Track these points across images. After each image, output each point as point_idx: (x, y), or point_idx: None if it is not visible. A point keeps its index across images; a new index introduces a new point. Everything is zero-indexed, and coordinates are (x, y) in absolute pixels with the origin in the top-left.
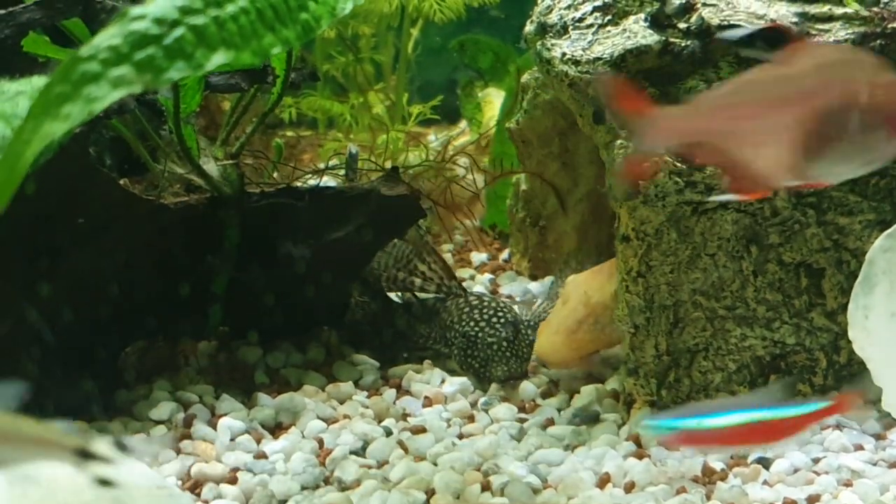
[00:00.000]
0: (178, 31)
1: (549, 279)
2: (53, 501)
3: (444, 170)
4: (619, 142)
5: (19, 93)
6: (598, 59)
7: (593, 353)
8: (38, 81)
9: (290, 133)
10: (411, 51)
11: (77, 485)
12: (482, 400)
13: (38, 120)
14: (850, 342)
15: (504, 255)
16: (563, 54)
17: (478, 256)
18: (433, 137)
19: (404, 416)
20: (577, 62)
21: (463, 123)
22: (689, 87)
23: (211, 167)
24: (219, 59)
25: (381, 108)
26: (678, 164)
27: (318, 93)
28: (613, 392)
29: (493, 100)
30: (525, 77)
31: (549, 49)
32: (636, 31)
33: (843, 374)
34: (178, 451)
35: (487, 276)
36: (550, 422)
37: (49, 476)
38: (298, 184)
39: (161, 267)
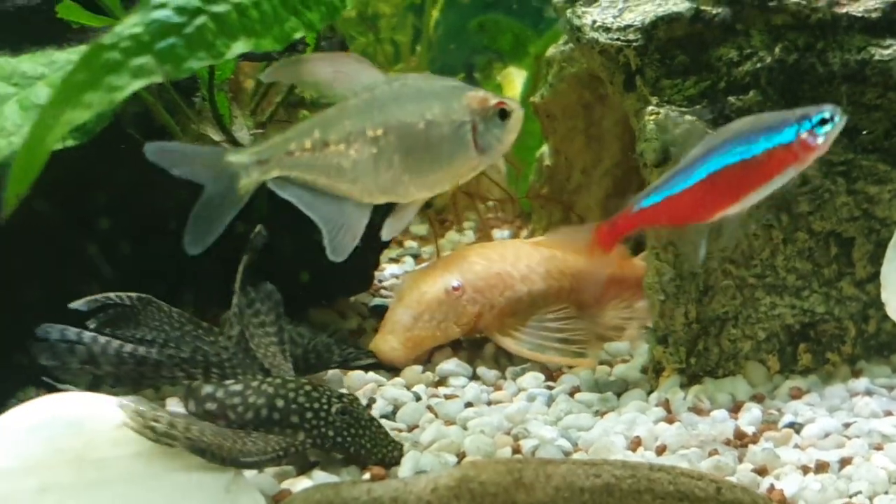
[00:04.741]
0: (200, 20)
1: None
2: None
3: None
4: (649, 108)
5: (70, 62)
6: (629, 26)
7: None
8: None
9: (306, 112)
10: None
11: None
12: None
13: (59, 108)
14: (879, 311)
15: (525, 232)
16: (594, 22)
17: (499, 234)
18: None
19: (436, 384)
20: (607, 29)
21: None
22: (720, 54)
23: (242, 135)
24: (239, 47)
25: None
26: (709, 132)
27: None
28: (640, 364)
29: (514, 79)
30: (550, 51)
31: (579, 17)
32: None
33: (871, 343)
34: None
35: None
36: (577, 389)
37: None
38: None
39: None
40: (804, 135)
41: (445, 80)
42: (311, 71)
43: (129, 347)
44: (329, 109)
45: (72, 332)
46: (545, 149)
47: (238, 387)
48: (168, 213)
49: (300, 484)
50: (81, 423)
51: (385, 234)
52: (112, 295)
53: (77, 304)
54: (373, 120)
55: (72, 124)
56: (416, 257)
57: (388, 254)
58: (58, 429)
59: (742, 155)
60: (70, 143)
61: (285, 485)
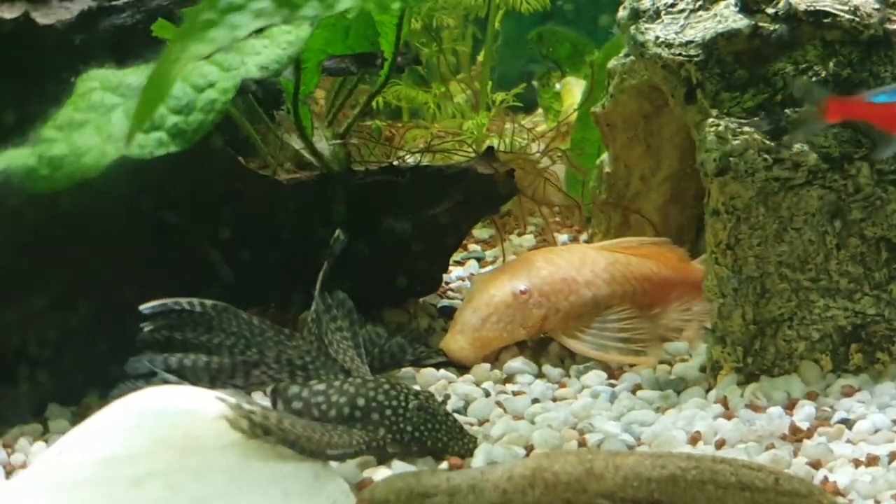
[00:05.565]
0: None
1: None
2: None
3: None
4: (709, 120)
5: None
6: (691, 42)
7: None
8: None
9: (378, 122)
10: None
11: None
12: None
13: (184, 42)
14: None
15: (584, 236)
16: (657, 38)
17: (559, 238)
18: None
19: (504, 381)
20: (670, 45)
21: (539, 112)
22: (777, 68)
23: (322, 146)
24: (348, 2)
25: (461, 97)
26: (767, 142)
27: (402, 82)
28: (699, 364)
29: (573, 88)
30: (611, 63)
31: (642, 33)
32: (727, 16)
33: None
34: None
35: None
36: (638, 387)
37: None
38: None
39: (274, 239)
40: None
41: None
42: None
43: (216, 362)
44: None
45: (158, 361)
46: (605, 156)
47: (322, 386)
48: (254, 220)
49: (380, 473)
50: (183, 414)
51: None
52: (183, 301)
53: (146, 308)
54: None
55: (197, 57)
56: (480, 261)
57: (453, 258)
58: (161, 419)
59: None
60: (173, 148)
61: (366, 473)
